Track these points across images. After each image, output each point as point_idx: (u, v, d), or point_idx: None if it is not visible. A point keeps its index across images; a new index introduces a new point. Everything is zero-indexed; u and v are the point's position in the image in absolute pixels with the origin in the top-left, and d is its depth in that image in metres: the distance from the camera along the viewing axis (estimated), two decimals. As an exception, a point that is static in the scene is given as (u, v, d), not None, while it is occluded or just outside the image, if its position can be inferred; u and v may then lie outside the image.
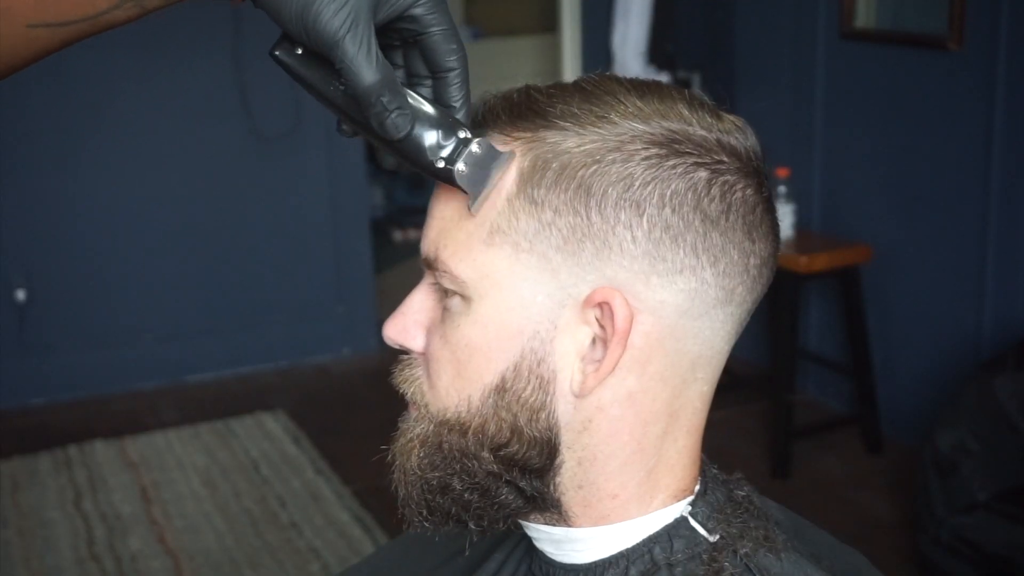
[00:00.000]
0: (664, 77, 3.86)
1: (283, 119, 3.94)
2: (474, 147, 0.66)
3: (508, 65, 5.40)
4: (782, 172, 3.22)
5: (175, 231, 3.96)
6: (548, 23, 4.92)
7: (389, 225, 5.94)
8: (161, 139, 3.88)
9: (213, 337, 4.06)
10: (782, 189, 3.21)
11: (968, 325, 3.02)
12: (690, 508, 0.71)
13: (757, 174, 0.68)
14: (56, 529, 2.97)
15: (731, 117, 0.69)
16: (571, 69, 4.23)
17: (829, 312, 3.51)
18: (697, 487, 0.72)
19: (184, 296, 4.01)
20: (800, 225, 3.35)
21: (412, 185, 6.14)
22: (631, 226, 0.65)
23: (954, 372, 3.00)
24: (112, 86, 3.76)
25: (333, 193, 4.13)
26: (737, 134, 0.68)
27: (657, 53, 3.94)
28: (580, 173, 0.65)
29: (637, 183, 0.64)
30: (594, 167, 0.65)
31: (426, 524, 0.71)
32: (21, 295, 3.76)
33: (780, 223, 0.71)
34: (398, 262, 5.26)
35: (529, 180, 0.66)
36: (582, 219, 0.65)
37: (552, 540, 0.73)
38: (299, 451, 3.38)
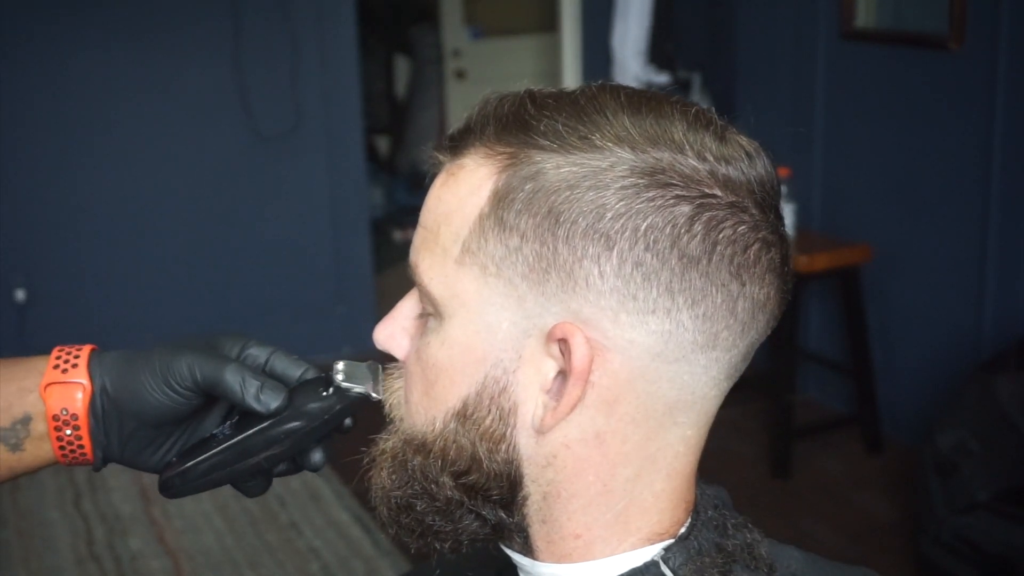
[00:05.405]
0: (664, 77, 3.87)
1: (283, 119, 3.93)
2: (339, 374, 0.71)
3: (508, 65, 5.40)
4: (782, 172, 3.23)
5: (175, 231, 3.95)
6: (548, 23, 4.91)
7: (389, 225, 5.94)
8: (161, 139, 3.87)
9: (213, 337, 4.05)
10: (782, 189, 3.21)
11: (968, 325, 3.01)
12: (663, 552, 0.66)
13: (760, 208, 0.63)
14: (56, 529, 2.97)
15: (742, 141, 0.63)
16: (571, 69, 4.23)
17: (829, 312, 3.51)
18: (682, 530, 0.67)
19: (184, 296, 4.01)
20: (800, 225, 3.35)
21: (412, 185, 6.14)
22: (599, 260, 0.60)
23: (954, 372, 2.99)
24: (112, 86, 3.75)
25: (333, 193, 4.12)
26: (742, 163, 0.62)
27: (657, 53, 3.94)
28: (552, 199, 0.61)
29: (609, 215, 0.60)
30: (567, 193, 0.60)
31: (401, 536, 0.70)
32: (21, 295, 3.76)
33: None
34: (398, 262, 5.25)
35: (502, 200, 0.62)
36: (548, 248, 0.61)
37: (523, 569, 0.70)
38: (299, 451, 3.38)
